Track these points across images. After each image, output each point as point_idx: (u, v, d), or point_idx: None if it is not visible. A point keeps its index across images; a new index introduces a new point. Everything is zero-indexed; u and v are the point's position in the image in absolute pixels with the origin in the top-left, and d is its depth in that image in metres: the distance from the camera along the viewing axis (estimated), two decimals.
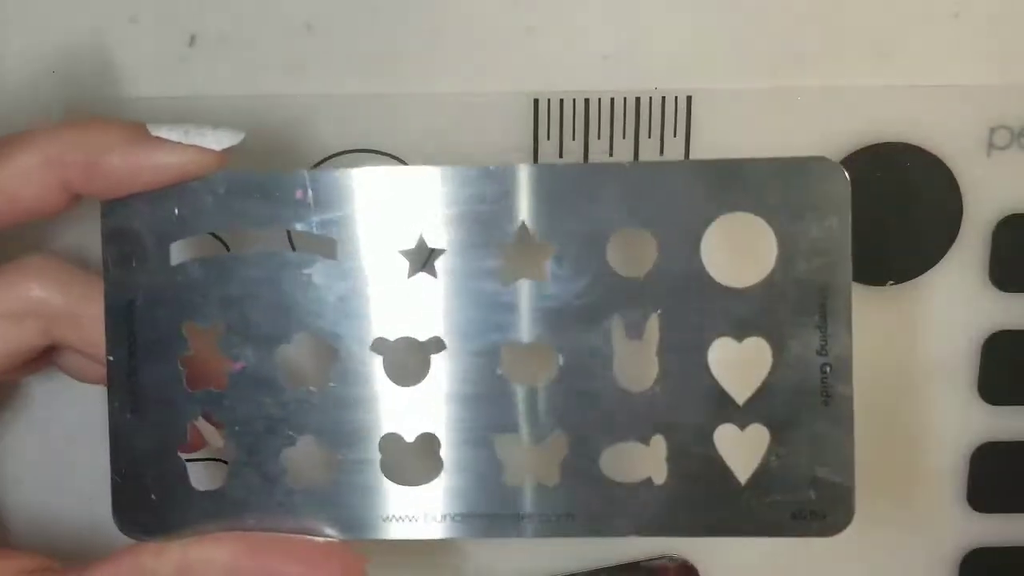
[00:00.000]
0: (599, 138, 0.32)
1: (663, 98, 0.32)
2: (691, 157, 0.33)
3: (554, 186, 0.27)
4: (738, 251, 0.27)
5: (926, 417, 0.35)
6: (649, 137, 0.32)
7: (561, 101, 0.32)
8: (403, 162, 0.32)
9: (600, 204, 0.27)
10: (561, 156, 0.32)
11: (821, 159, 0.27)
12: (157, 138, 0.26)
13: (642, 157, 0.33)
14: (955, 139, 0.33)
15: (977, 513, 0.35)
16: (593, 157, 0.33)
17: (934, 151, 0.33)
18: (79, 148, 0.26)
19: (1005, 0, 0.32)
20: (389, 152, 0.32)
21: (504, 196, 0.27)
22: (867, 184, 0.33)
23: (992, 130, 0.33)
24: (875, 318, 0.34)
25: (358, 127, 0.32)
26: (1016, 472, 0.35)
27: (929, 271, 0.34)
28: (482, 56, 0.32)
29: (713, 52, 0.32)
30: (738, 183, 0.27)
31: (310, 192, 0.27)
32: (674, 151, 0.33)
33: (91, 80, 0.31)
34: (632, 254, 0.27)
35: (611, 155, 0.32)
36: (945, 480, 0.35)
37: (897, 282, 0.34)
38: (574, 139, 0.32)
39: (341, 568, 0.27)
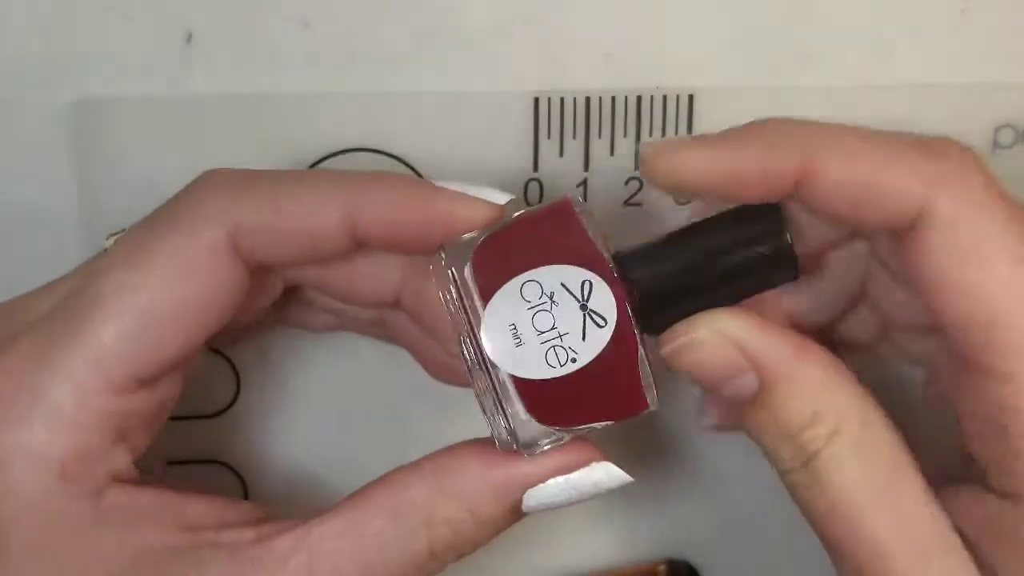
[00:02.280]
0: (600, 137, 0.32)
1: (664, 97, 0.32)
2: None
3: None
4: None
5: (926, 418, 0.34)
6: (651, 136, 0.32)
7: (562, 100, 0.32)
8: (403, 162, 0.32)
9: None
10: (562, 155, 0.32)
11: None
12: (443, 188, 0.26)
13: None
14: (959, 138, 0.32)
15: None
16: (594, 156, 0.32)
17: None
18: (375, 202, 0.26)
19: None
20: (388, 152, 0.32)
21: None
22: None
23: (997, 129, 0.33)
24: None
25: (357, 126, 0.32)
26: None
27: None
28: (482, 54, 0.32)
29: (715, 51, 0.32)
30: None
31: None
32: None
33: (88, 79, 0.31)
34: None
35: (612, 154, 0.32)
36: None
37: None
38: (575, 138, 0.32)
39: None
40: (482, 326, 0.25)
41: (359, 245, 0.27)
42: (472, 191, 0.26)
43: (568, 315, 0.25)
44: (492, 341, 0.25)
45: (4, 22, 0.31)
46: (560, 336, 0.25)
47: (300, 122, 0.32)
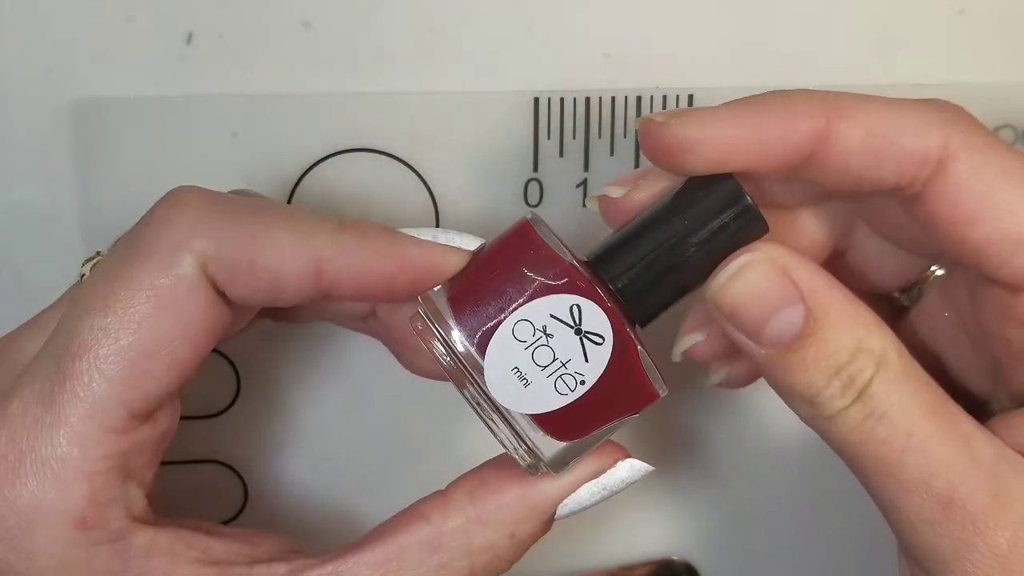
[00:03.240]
0: (600, 137, 0.32)
1: (664, 96, 0.32)
2: None
3: None
4: None
5: None
6: None
7: (562, 100, 0.32)
8: (403, 162, 0.32)
9: None
10: (562, 155, 0.32)
11: None
12: (412, 239, 0.26)
13: (644, 156, 0.32)
14: None
15: None
16: (594, 156, 0.32)
17: None
18: (343, 254, 0.26)
19: None
20: (389, 152, 0.32)
21: None
22: None
23: (997, 129, 0.33)
24: None
25: (357, 126, 0.32)
26: None
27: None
28: (482, 55, 0.32)
29: (714, 51, 0.32)
30: None
31: None
32: None
33: (88, 79, 0.31)
34: None
35: (612, 154, 0.32)
36: None
37: None
38: (575, 138, 0.32)
39: None
40: (486, 378, 0.25)
41: (325, 295, 0.26)
42: (442, 238, 0.26)
43: (566, 343, 0.25)
44: (499, 389, 0.25)
45: (4, 22, 0.31)
46: (563, 364, 0.25)
47: (300, 122, 0.32)
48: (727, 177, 0.25)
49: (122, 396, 0.25)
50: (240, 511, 0.35)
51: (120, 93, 0.31)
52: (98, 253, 0.28)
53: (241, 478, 0.35)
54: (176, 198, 0.26)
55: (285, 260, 0.26)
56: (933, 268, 0.29)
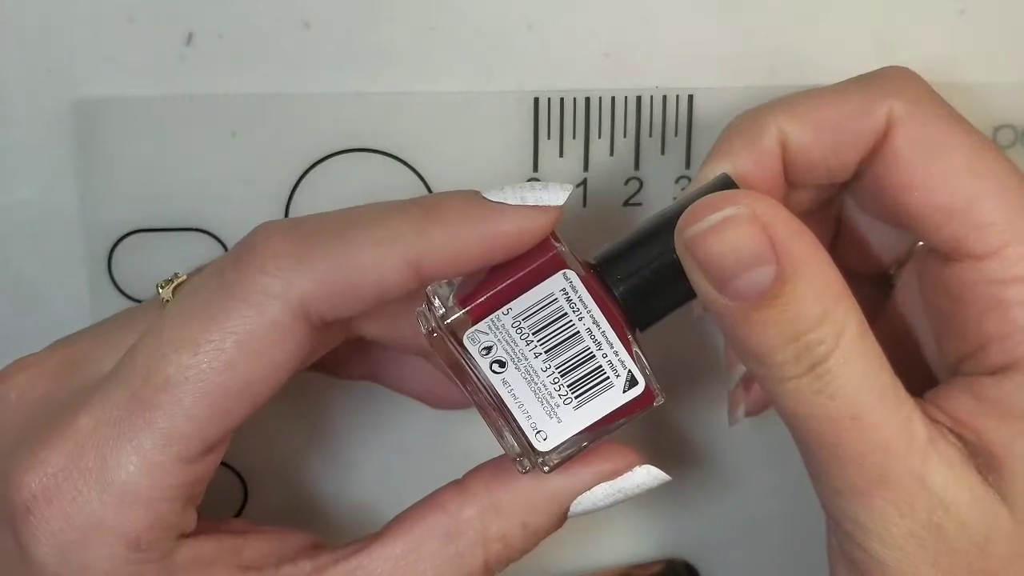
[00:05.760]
0: (599, 137, 0.32)
1: (664, 97, 0.32)
2: (692, 156, 0.32)
3: None
4: None
5: None
6: (651, 136, 0.32)
7: (562, 100, 0.32)
8: (403, 162, 0.32)
9: None
10: (562, 155, 0.32)
11: None
12: (501, 207, 0.25)
13: (643, 156, 0.32)
14: None
15: None
16: (594, 156, 0.32)
17: None
18: (437, 244, 0.25)
19: None
20: (388, 152, 0.32)
21: None
22: None
23: (996, 129, 0.33)
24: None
25: (356, 126, 0.32)
26: None
27: None
28: (482, 54, 0.32)
29: (714, 51, 0.32)
30: None
31: None
32: (676, 150, 0.32)
33: (88, 79, 0.31)
34: None
35: (612, 154, 0.32)
36: None
37: None
38: (575, 138, 0.32)
39: None
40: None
41: (425, 282, 0.26)
42: (530, 197, 0.25)
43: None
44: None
45: (4, 22, 0.31)
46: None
47: (300, 122, 0.32)
48: (726, 180, 0.26)
49: (201, 432, 0.25)
50: (240, 511, 0.35)
51: (120, 93, 0.31)
52: (176, 275, 0.28)
53: (241, 478, 0.35)
54: (265, 240, 0.26)
55: (382, 265, 0.25)
56: (921, 243, 0.29)
